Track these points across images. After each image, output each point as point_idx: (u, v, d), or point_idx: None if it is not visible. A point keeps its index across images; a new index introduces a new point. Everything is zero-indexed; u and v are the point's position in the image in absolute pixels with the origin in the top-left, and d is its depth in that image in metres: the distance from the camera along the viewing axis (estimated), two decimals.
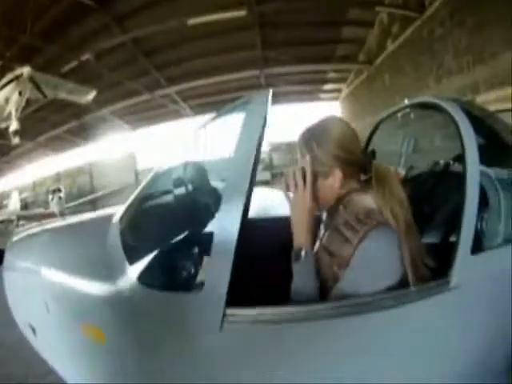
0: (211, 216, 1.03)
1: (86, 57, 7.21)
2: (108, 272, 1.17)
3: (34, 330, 1.47)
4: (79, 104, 8.66)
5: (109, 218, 1.53)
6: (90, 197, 14.92)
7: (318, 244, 1.08)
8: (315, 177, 1.02)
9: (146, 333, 1.00)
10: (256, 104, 0.99)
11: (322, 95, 15.13)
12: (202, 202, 1.47)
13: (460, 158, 1.16)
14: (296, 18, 8.20)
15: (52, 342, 1.40)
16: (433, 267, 0.95)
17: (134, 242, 1.31)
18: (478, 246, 1.03)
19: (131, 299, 1.05)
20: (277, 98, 12.96)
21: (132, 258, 1.16)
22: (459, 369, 0.98)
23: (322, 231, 1.11)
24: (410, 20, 7.56)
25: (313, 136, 1.06)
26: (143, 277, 1.08)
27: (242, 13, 6.91)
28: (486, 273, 1.01)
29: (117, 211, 1.52)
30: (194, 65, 9.70)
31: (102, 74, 8.58)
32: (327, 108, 15.49)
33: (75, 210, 11.33)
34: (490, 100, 5.51)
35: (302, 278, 0.97)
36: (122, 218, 1.44)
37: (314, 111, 15.80)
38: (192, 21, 6.66)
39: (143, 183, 1.53)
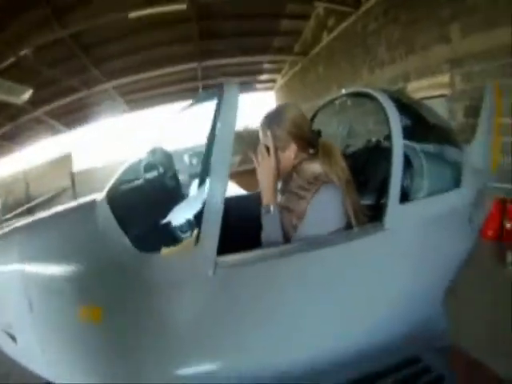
0: (202, 187, 1.16)
1: (23, 52, 6.80)
2: (101, 248, 1.24)
3: (12, 337, 1.39)
4: (15, 104, 8.15)
5: (77, 207, 1.58)
6: (26, 206, 13.88)
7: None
8: (276, 150, 1.27)
9: (150, 290, 1.10)
10: (229, 93, 1.14)
11: (258, 85, 15.55)
12: (195, 177, 1.59)
13: (389, 137, 1.42)
14: (235, 11, 8.29)
15: (38, 342, 1.31)
16: (370, 216, 1.23)
17: (128, 214, 1.36)
18: (405, 198, 1.32)
19: (131, 265, 1.15)
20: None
21: (129, 229, 1.25)
22: (392, 293, 1.25)
23: (279, 196, 1.34)
24: (345, 14, 7.95)
25: (273, 119, 1.32)
26: (142, 243, 1.19)
27: (182, 6, 6.89)
28: (412, 217, 1.31)
29: (97, 194, 1.57)
30: (132, 59, 9.43)
31: (38, 72, 8.13)
32: (262, 98, 16.08)
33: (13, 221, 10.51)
34: (422, 87, 6.09)
35: (271, 226, 1.22)
36: (110, 196, 1.48)
37: (250, 101, 16.05)
38: (133, 14, 6.53)
39: (125, 167, 1.62)
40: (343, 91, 1.95)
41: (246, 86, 14.66)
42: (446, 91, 5.63)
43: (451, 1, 5.35)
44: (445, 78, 5.68)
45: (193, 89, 13.10)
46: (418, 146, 1.56)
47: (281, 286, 1.10)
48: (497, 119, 3.99)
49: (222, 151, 1.08)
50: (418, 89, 6.07)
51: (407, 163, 1.42)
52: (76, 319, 1.19)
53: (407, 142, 1.44)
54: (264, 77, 14.63)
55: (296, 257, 1.10)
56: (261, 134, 1.34)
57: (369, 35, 7.49)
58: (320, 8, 8.94)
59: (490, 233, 4.46)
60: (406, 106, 1.84)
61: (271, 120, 1.33)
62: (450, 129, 2.06)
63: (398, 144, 1.32)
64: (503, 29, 4.61)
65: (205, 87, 13.03)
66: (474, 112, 3.97)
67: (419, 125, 1.80)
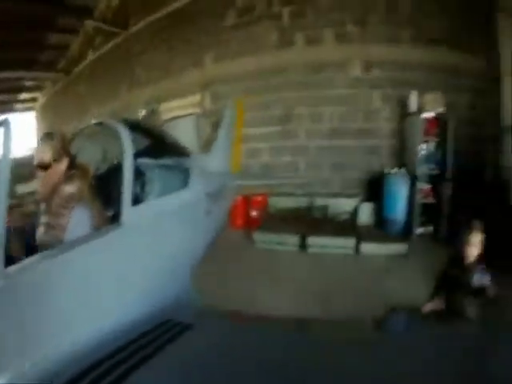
0: None
1: None
2: None
3: None
4: None
5: None
6: None
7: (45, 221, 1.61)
8: (53, 160, 1.58)
9: None
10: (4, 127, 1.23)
11: (18, 105, 14.30)
12: None
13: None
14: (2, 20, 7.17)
15: None
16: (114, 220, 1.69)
17: None
18: (136, 201, 1.79)
19: None
20: None
21: None
22: (138, 274, 1.69)
23: (46, 216, 1.63)
24: (113, 34, 8.25)
25: (47, 136, 1.66)
26: None
27: None
28: (144, 215, 1.80)
29: None
30: None
31: None
32: (22, 118, 14.79)
33: None
34: (176, 106, 7.01)
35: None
36: None
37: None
38: None
39: None
40: (91, 122, 2.27)
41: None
42: (196, 110, 6.71)
43: (206, 34, 6.44)
44: (196, 99, 6.76)
45: None
46: (151, 162, 2.06)
47: (57, 280, 1.35)
48: (238, 130, 5.05)
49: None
50: (171, 108, 6.94)
51: (140, 175, 1.92)
52: None
53: (142, 159, 1.93)
54: (25, 95, 13.43)
55: (63, 256, 1.39)
56: (41, 151, 1.59)
57: (131, 57, 7.97)
58: (89, 25, 8.81)
59: (239, 223, 5.67)
60: (144, 132, 2.37)
61: (48, 135, 1.66)
62: (180, 145, 2.74)
63: (128, 162, 1.76)
64: (246, 58, 6.03)
65: None
66: (218, 126, 4.93)
67: (155, 145, 2.33)
